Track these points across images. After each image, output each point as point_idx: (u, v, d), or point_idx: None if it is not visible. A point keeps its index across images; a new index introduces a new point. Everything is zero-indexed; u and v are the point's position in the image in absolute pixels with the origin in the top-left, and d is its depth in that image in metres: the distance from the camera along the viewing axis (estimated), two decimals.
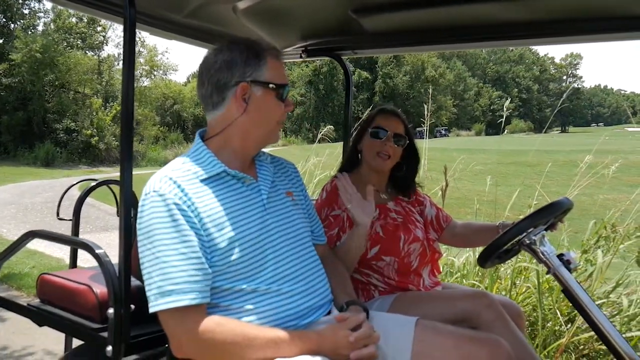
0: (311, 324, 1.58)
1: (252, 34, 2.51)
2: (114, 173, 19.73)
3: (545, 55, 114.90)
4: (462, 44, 2.48)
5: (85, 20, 33.76)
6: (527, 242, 1.81)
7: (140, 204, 1.51)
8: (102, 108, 29.94)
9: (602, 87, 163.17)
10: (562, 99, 5.47)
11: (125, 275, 1.65)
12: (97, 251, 1.72)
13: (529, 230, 1.79)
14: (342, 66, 2.83)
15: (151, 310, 1.42)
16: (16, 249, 2.09)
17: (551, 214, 1.81)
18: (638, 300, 3.15)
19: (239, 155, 1.64)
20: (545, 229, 1.87)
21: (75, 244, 1.86)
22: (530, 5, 1.98)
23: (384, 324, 1.66)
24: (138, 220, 1.49)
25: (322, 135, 5.76)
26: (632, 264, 3.37)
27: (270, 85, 1.60)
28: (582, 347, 3.06)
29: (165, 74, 39.19)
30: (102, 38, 35.22)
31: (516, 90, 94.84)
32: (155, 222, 1.44)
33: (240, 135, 1.62)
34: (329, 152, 5.61)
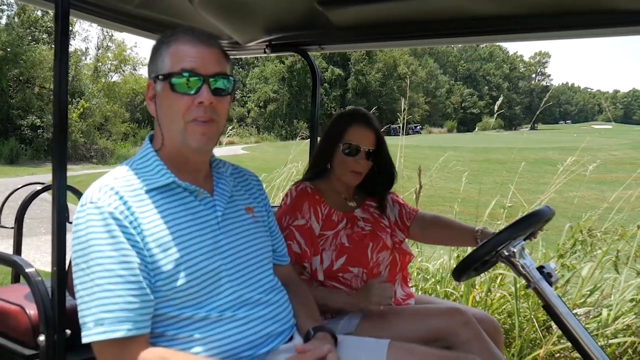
0: (269, 353, 1.41)
1: (212, 26, 2.34)
2: (81, 171, 19.22)
3: (514, 53, 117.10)
4: (434, 40, 2.36)
5: (51, 14, 32.77)
6: (506, 254, 1.68)
7: (75, 216, 1.32)
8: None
9: (569, 85, 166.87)
10: (544, 98, 5.42)
11: (59, 297, 1.45)
12: (26, 270, 1.51)
13: (508, 242, 1.66)
14: (308, 62, 2.66)
15: (84, 340, 1.24)
16: None
17: (532, 225, 1.69)
18: (614, 305, 3.07)
19: (187, 164, 1.44)
20: (525, 239, 1.75)
21: (4, 262, 1.66)
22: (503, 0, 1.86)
23: (354, 349, 1.52)
24: (73, 235, 1.31)
25: (302, 134, 5.54)
26: (608, 267, 3.31)
27: (160, 77, 1.38)
28: (557, 355, 2.97)
29: (135, 69, 38.39)
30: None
31: (487, 87, 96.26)
32: (90, 238, 1.26)
33: (170, 140, 1.42)
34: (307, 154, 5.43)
